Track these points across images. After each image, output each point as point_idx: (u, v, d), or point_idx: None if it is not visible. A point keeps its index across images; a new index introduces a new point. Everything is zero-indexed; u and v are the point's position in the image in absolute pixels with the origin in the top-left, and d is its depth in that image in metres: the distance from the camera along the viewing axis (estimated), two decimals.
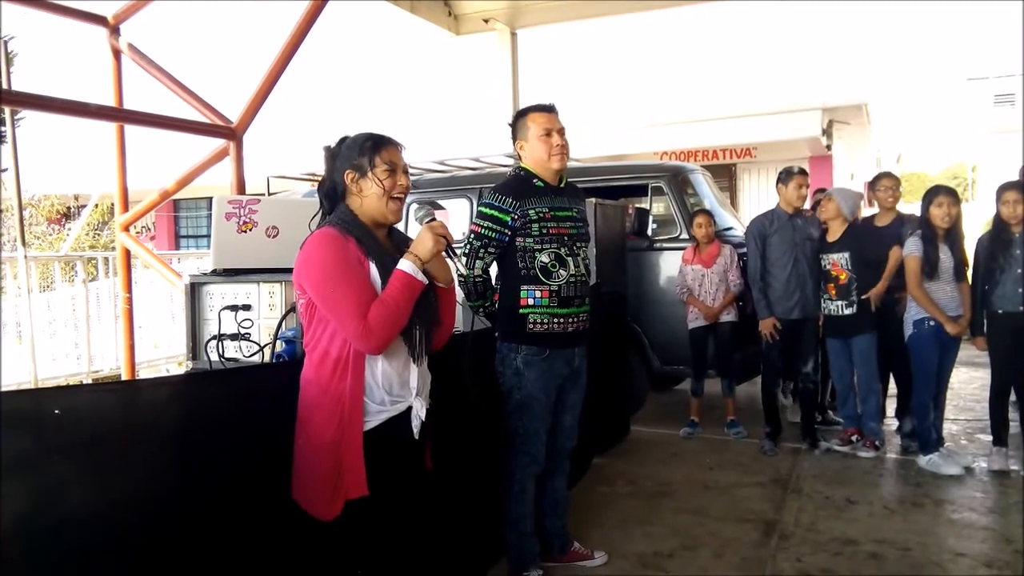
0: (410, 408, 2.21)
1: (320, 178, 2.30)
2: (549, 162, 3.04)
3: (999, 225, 4.48)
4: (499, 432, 3.14)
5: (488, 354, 3.16)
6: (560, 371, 3.11)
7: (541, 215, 3.00)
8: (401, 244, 2.26)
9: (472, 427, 3.10)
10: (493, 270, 3.14)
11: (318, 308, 2.11)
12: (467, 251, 3.04)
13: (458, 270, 2.56)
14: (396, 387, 2.18)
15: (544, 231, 3.00)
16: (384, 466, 2.13)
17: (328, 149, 2.24)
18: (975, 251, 4.61)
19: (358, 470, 2.09)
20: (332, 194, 2.23)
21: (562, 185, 3.14)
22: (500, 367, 3.11)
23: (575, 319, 3.07)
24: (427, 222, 2.21)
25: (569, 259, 3.04)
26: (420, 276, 2.12)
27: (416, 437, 2.22)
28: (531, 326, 3.02)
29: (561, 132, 3.06)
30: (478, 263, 3.04)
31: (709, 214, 5.45)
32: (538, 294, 3.01)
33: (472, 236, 3.05)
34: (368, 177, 2.16)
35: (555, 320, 3.02)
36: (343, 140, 2.24)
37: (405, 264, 2.11)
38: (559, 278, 3.01)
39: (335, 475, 2.09)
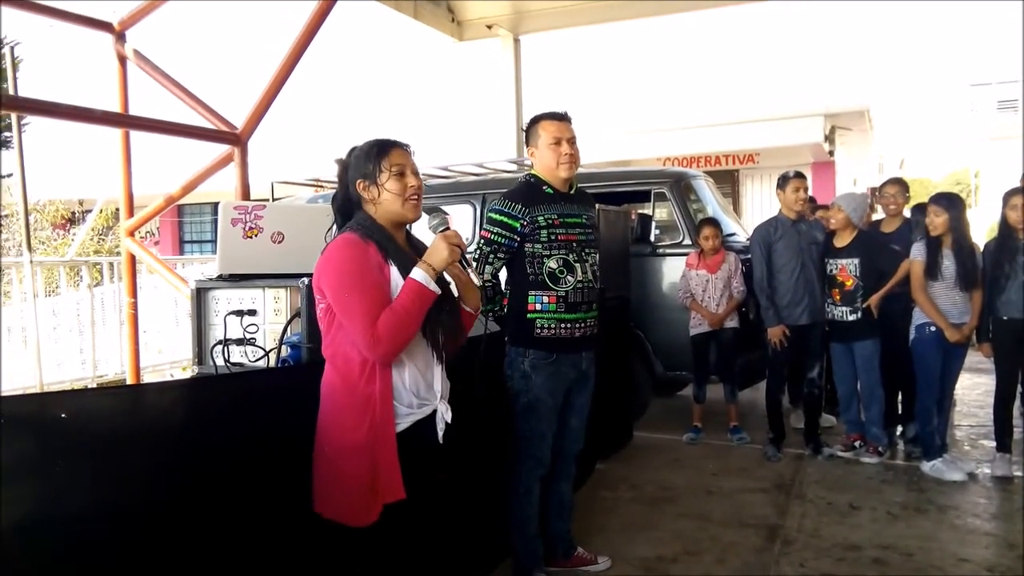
0: (435, 411, 2.23)
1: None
2: (557, 170, 3.08)
3: (1005, 231, 4.48)
4: (506, 435, 3.16)
5: (497, 357, 3.18)
6: (567, 375, 3.14)
7: (550, 221, 3.04)
8: (419, 247, 2.27)
9: (476, 429, 3.12)
10: (503, 275, 3.17)
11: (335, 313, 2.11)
12: (477, 256, 3.08)
13: (475, 281, 2.57)
14: (423, 390, 2.19)
15: (553, 237, 3.04)
16: (413, 469, 2.13)
17: (339, 162, 2.25)
18: (981, 257, 4.61)
19: (394, 473, 2.09)
20: (346, 206, 2.23)
21: (572, 192, 3.17)
22: (508, 370, 3.14)
23: (582, 324, 3.10)
24: (441, 231, 2.19)
25: (577, 265, 3.07)
26: (432, 286, 2.09)
27: (440, 441, 2.24)
28: (539, 331, 3.05)
29: (571, 141, 3.09)
30: (488, 268, 3.08)
31: (716, 224, 5.45)
32: (545, 299, 3.04)
33: (482, 242, 3.10)
34: (377, 184, 2.15)
35: (562, 325, 3.05)
36: (352, 151, 2.24)
37: (418, 274, 2.09)
38: (567, 284, 3.04)
39: (370, 479, 2.08)
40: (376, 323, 2.02)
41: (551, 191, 3.10)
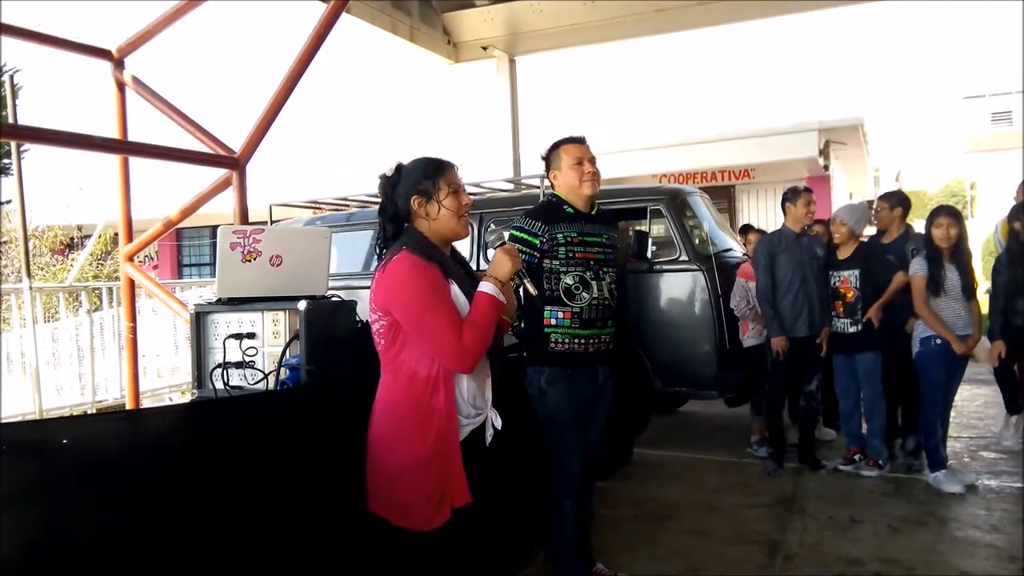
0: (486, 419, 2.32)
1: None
2: (580, 188, 3.18)
3: (1013, 243, 4.52)
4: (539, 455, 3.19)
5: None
6: (583, 389, 3.18)
7: (569, 239, 3.12)
8: (463, 261, 2.40)
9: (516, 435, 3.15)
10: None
11: (402, 330, 2.16)
12: None
13: (531, 291, 2.64)
14: (479, 400, 2.28)
15: (570, 255, 3.12)
16: (473, 474, 2.23)
17: (386, 178, 2.33)
18: (993, 268, 4.63)
19: (461, 479, 2.20)
20: (396, 218, 2.32)
21: (594, 212, 3.25)
22: (529, 389, 3.19)
23: (596, 340, 3.15)
24: (498, 245, 2.34)
25: (593, 283, 3.14)
26: (501, 297, 2.24)
27: (487, 445, 2.33)
28: (553, 345, 3.12)
29: (592, 161, 3.21)
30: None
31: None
32: (560, 315, 3.11)
33: None
34: (435, 200, 2.26)
35: (576, 340, 3.12)
36: (399, 168, 2.33)
37: (488, 287, 2.23)
38: (581, 300, 3.11)
39: (437, 488, 2.17)
40: (462, 337, 2.12)
41: (572, 210, 3.19)
